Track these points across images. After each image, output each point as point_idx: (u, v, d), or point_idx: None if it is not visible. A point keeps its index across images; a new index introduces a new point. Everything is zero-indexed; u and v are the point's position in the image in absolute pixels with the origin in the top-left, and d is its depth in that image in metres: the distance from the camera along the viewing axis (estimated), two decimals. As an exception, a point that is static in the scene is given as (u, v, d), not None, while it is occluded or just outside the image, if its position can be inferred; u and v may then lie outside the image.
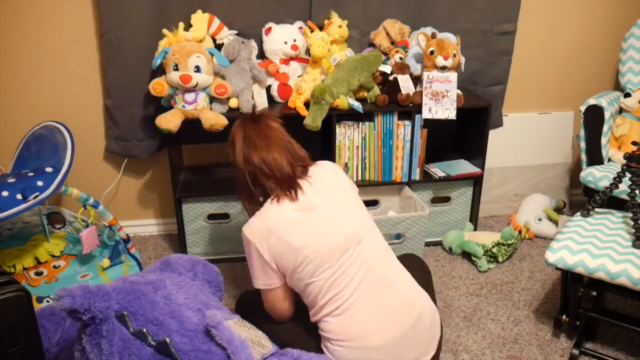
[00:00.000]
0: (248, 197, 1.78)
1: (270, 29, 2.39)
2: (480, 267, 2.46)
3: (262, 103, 2.34)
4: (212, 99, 2.26)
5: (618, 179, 1.95)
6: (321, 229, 1.62)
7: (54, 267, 2.36)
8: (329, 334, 1.62)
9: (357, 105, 2.31)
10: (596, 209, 2.09)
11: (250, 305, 1.93)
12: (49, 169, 2.11)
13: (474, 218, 2.68)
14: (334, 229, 1.63)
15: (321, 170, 1.76)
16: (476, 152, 2.57)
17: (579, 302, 1.94)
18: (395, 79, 2.39)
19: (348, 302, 1.59)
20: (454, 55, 2.31)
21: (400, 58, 2.46)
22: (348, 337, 1.59)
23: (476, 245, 2.49)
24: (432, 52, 2.31)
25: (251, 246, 1.64)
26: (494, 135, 2.73)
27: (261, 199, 1.73)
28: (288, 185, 1.68)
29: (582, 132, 2.49)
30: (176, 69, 2.15)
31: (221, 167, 2.68)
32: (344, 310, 1.59)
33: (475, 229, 2.68)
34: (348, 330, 1.60)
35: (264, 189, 1.70)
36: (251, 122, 1.76)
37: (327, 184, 1.73)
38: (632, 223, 1.88)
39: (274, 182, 1.68)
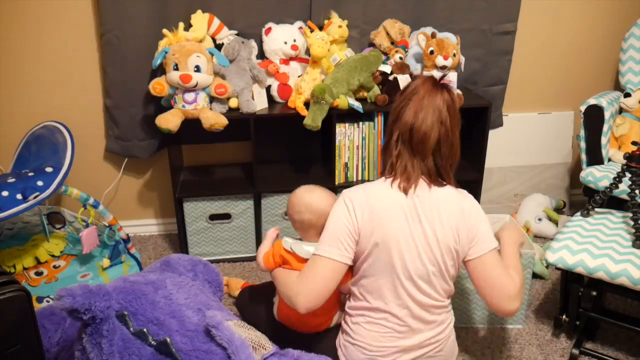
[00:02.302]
0: (384, 149, 1.60)
1: (270, 29, 2.39)
2: None
3: (262, 103, 2.34)
4: (212, 99, 2.26)
5: (618, 179, 1.95)
6: (410, 242, 1.51)
7: (54, 267, 2.36)
8: (356, 335, 1.60)
9: (357, 105, 2.31)
10: (596, 209, 2.09)
11: (251, 299, 1.93)
12: (49, 169, 2.11)
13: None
14: (417, 253, 1.51)
15: (455, 194, 1.56)
16: (476, 152, 2.57)
17: (579, 302, 1.94)
18: (395, 78, 2.39)
19: (389, 316, 1.56)
20: (454, 55, 2.31)
21: (400, 58, 2.46)
22: (373, 349, 1.58)
23: None
24: (432, 52, 2.31)
25: (345, 209, 1.52)
26: (494, 135, 2.73)
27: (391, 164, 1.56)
28: (422, 172, 1.53)
29: (582, 132, 2.49)
30: (176, 68, 2.15)
31: (221, 167, 2.69)
32: (380, 320, 1.57)
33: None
34: (376, 342, 1.58)
35: (394, 158, 1.54)
36: (430, 86, 1.54)
37: (448, 211, 1.52)
38: (632, 223, 1.88)
39: (411, 160, 1.52)
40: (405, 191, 1.52)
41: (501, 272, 1.53)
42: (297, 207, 1.68)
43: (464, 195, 1.59)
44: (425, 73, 2.33)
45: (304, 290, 1.53)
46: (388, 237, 1.50)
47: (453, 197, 1.56)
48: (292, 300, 1.55)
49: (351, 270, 1.62)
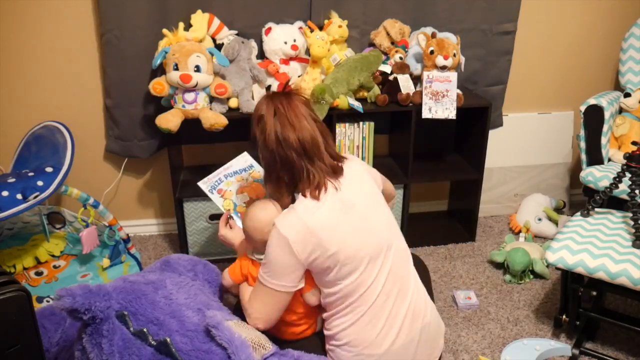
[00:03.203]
0: (275, 184, 1.61)
1: (270, 29, 2.39)
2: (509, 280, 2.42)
3: (262, 103, 2.34)
4: (212, 99, 2.26)
5: (618, 179, 1.95)
6: (358, 231, 1.53)
7: (54, 267, 2.36)
8: (339, 336, 1.59)
9: (357, 105, 2.31)
10: (596, 209, 2.09)
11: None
12: (49, 169, 2.11)
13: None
14: (369, 233, 1.55)
15: (352, 164, 1.65)
16: (476, 152, 2.57)
17: (579, 302, 1.94)
18: (395, 78, 2.39)
19: (367, 308, 1.55)
20: (454, 55, 2.31)
21: (400, 58, 2.46)
22: (357, 343, 1.57)
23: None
24: (432, 52, 2.31)
25: (282, 243, 1.48)
26: (494, 135, 2.73)
27: (284, 189, 1.60)
28: (333, 172, 1.56)
29: (582, 132, 2.49)
30: (176, 68, 2.15)
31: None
32: (360, 316, 1.55)
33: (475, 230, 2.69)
34: (359, 336, 1.56)
35: (298, 176, 1.55)
36: (283, 97, 1.58)
37: (361, 179, 1.62)
38: (632, 223, 1.88)
39: (315, 168, 1.54)
40: (325, 193, 1.54)
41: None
42: (258, 225, 1.64)
43: (356, 160, 1.70)
44: (426, 73, 2.33)
45: (255, 314, 1.57)
46: (339, 242, 1.51)
47: (355, 166, 1.65)
48: (252, 324, 1.58)
49: (310, 282, 1.61)
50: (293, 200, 1.60)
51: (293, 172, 1.56)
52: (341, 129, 2.39)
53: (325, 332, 1.65)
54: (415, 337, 1.61)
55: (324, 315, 1.64)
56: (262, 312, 1.56)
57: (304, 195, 1.55)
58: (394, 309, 1.58)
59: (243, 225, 1.70)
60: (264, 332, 1.71)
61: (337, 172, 1.59)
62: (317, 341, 1.71)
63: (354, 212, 1.55)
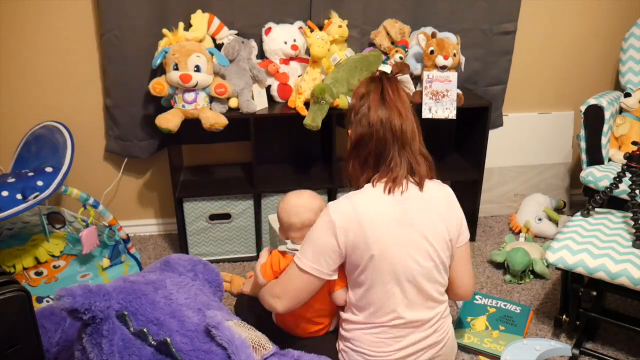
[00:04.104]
0: (361, 164, 1.57)
1: (270, 29, 2.39)
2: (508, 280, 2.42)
3: (262, 103, 2.34)
4: (212, 99, 2.26)
5: (618, 179, 1.95)
6: (404, 249, 1.50)
7: (54, 267, 2.36)
8: (357, 342, 1.59)
9: (357, 105, 2.31)
10: (596, 209, 2.09)
11: (250, 303, 1.93)
12: (49, 169, 2.11)
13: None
14: (413, 256, 1.52)
15: (437, 189, 1.58)
16: (476, 152, 2.57)
17: (579, 302, 1.94)
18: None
19: (393, 327, 1.55)
20: (454, 55, 2.31)
21: (400, 58, 2.46)
22: (374, 356, 1.57)
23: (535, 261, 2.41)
24: (432, 52, 2.31)
25: (329, 225, 1.48)
26: (494, 135, 2.73)
27: (365, 169, 1.56)
28: (413, 170, 1.53)
29: (582, 132, 2.49)
30: (176, 68, 2.15)
31: (221, 167, 2.69)
32: (385, 331, 1.56)
33: (475, 231, 2.69)
34: (378, 350, 1.57)
35: (382, 162, 1.52)
36: (393, 82, 1.56)
37: (434, 205, 1.55)
38: (632, 223, 1.88)
39: (404, 160, 1.51)
40: (393, 193, 1.51)
41: (470, 263, 1.69)
42: (294, 209, 1.68)
43: (444, 186, 1.62)
44: (426, 73, 2.33)
45: (278, 298, 1.57)
46: (382, 247, 1.49)
47: (437, 191, 1.59)
48: (268, 304, 1.59)
49: (342, 279, 1.61)
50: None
51: (381, 156, 1.53)
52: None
53: (342, 332, 1.65)
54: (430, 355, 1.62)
55: (345, 316, 1.63)
56: (288, 292, 1.55)
57: (373, 185, 1.53)
58: (415, 337, 1.57)
59: (279, 215, 1.73)
60: (272, 328, 1.72)
61: (418, 173, 1.54)
62: (331, 340, 1.71)
63: (410, 231, 1.51)
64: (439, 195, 1.58)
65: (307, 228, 1.62)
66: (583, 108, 2.45)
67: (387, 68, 2.43)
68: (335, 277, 1.56)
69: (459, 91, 2.38)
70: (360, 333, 1.59)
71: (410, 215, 1.52)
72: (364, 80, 1.61)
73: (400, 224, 1.51)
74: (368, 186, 1.54)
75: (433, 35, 2.37)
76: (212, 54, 2.22)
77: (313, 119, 2.22)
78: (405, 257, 1.51)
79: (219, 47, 2.38)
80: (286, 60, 2.40)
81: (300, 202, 1.68)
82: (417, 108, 2.37)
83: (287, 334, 1.75)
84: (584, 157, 2.51)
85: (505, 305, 2.18)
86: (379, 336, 1.57)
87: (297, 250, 1.61)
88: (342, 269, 1.58)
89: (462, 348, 1.98)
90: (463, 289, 1.68)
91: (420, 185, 1.54)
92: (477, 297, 2.22)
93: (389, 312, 1.55)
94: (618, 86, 2.74)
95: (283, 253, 1.70)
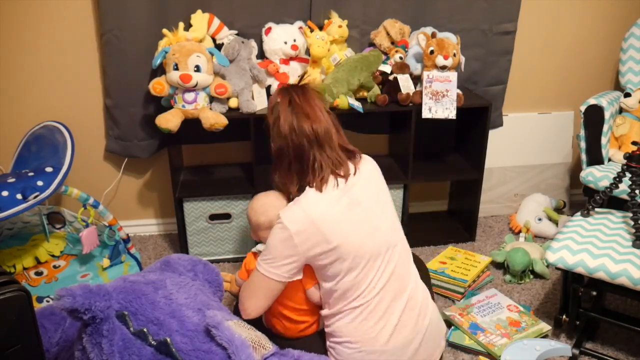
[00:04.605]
0: (285, 173, 1.66)
1: (270, 29, 2.39)
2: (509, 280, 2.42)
3: (262, 103, 2.34)
4: (212, 99, 2.26)
5: (618, 178, 1.95)
6: (361, 229, 1.56)
7: (54, 267, 2.36)
8: (339, 333, 1.60)
9: (357, 105, 2.31)
10: (596, 209, 2.09)
11: None
12: (49, 169, 2.11)
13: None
14: (372, 231, 1.58)
15: (366, 164, 1.68)
16: (476, 152, 2.57)
17: (579, 302, 1.94)
18: (395, 78, 2.39)
19: (367, 305, 1.57)
20: (454, 55, 2.31)
21: (400, 58, 2.46)
22: (358, 339, 1.58)
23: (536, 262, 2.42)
24: (432, 52, 2.31)
25: (285, 234, 1.54)
26: (494, 135, 2.73)
27: (291, 178, 1.64)
28: (339, 164, 1.59)
29: (582, 132, 2.49)
30: (176, 68, 2.15)
31: (221, 167, 2.69)
32: (360, 312, 1.57)
33: (475, 232, 2.69)
34: (359, 332, 1.58)
35: (306, 166, 1.59)
36: (299, 89, 1.64)
37: (371, 178, 1.66)
38: (632, 223, 1.88)
39: (325, 159, 1.58)
40: (331, 186, 1.57)
41: None
42: (262, 209, 1.75)
43: (370, 159, 1.72)
44: (426, 73, 2.33)
45: (246, 300, 1.63)
46: (342, 236, 1.54)
47: (368, 163, 1.69)
48: (242, 307, 1.64)
49: (313, 277, 1.64)
50: (301, 192, 1.63)
51: (302, 161, 1.60)
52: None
53: (326, 329, 1.66)
54: (416, 337, 1.61)
55: (323, 312, 1.66)
56: (254, 295, 1.61)
57: (310, 186, 1.59)
58: (392, 308, 1.59)
59: (248, 215, 1.80)
60: (266, 330, 1.73)
61: (345, 165, 1.61)
62: (319, 339, 1.72)
63: (360, 209, 1.58)
64: (371, 168, 1.70)
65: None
66: (583, 108, 2.45)
67: (387, 68, 2.44)
68: (299, 277, 1.61)
69: (459, 91, 2.38)
70: (340, 324, 1.60)
71: (356, 196, 1.59)
72: (274, 92, 1.69)
73: (349, 207, 1.57)
74: (307, 190, 1.60)
75: (433, 35, 2.37)
76: (212, 54, 2.22)
77: (313, 119, 2.22)
78: (365, 236, 1.56)
79: (219, 47, 2.38)
80: (286, 60, 2.40)
81: (268, 201, 1.75)
82: (417, 108, 2.37)
83: (277, 335, 1.76)
84: (583, 157, 2.51)
85: (505, 305, 2.18)
86: (357, 319, 1.58)
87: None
88: (310, 267, 1.62)
89: (463, 348, 1.99)
90: None
91: (345, 177, 1.60)
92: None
93: (362, 291, 1.57)
94: (618, 86, 2.75)
95: (255, 254, 1.78)
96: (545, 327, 2.05)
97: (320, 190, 1.57)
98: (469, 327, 2.02)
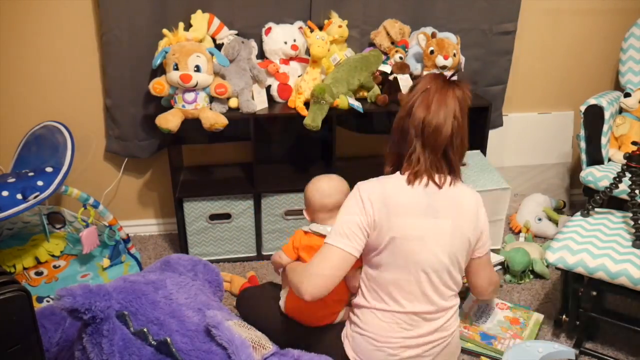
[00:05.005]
0: (389, 148, 1.65)
1: (270, 29, 2.39)
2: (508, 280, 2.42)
3: (262, 103, 2.34)
4: (212, 99, 2.26)
5: (618, 178, 1.95)
6: (424, 238, 1.55)
7: (54, 267, 2.36)
8: (365, 327, 1.62)
9: (357, 105, 2.31)
10: (596, 209, 2.09)
11: (251, 303, 1.93)
12: (49, 169, 2.11)
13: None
14: (431, 248, 1.56)
15: (469, 193, 1.63)
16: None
17: (579, 302, 1.94)
18: (395, 78, 2.39)
19: (398, 310, 1.59)
20: (454, 55, 2.31)
21: (400, 58, 2.46)
22: (376, 336, 1.60)
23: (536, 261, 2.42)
24: (432, 52, 2.31)
25: (357, 203, 1.54)
26: (494, 135, 2.73)
27: (392, 158, 1.63)
28: (437, 170, 1.57)
29: (582, 132, 2.49)
30: (176, 68, 2.15)
31: (221, 167, 2.69)
32: (392, 316, 1.59)
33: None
34: (380, 330, 1.60)
35: (405, 152, 1.57)
36: (444, 82, 1.59)
37: (462, 207, 1.60)
38: (632, 223, 1.88)
39: (425, 156, 1.55)
40: (421, 184, 1.56)
41: (492, 268, 1.80)
42: (328, 191, 1.76)
43: (478, 197, 1.65)
44: (425, 73, 2.33)
45: (311, 277, 1.53)
46: (405, 232, 1.53)
47: (469, 196, 1.63)
48: (299, 288, 1.54)
49: (358, 260, 1.63)
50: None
51: (403, 147, 1.59)
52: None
53: (352, 318, 1.68)
54: (435, 352, 1.65)
55: (356, 300, 1.67)
56: (324, 271, 1.53)
57: (402, 174, 1.59)
58: (418, 329, 1.61)
59: (309, 196, 1.80)
60: (277, 323, 1.75)
61: (443, 175, 1.58)
62: (332, 330, 1.74)
63: (432, 221, 1.56)
64: (469, 200, 1.62)
65: (336, 210, 1.66)
66: (583, 108, 2.45)
67: (387, 68, 2.44)
68: (359, 255, 1.59)
69: (465, 91, 2.38)
70: (371, 316, 1.61)
71: (436, 209, 1.56)
72: (428, 77, 1.63)
73: (425, 214, 1.55)
74: (397, 174, 1.60)
75: (433, 35, 2.37)
76: (212, 54, 2.22)
77: (313, 119, 2.22)
78: (423, 246, 1.55)
79: (219, 47, 2.38)
80: (286, 60, 2.40)
81: (333, 184, 1.78)
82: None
83: (293, 323, 1.77)
84: (583, 157, 2.51)
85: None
86: (387, 322, 1.60)
87: (319, 230, 1.71)
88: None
89: (463, 350, 1.98)
90: (477, 289, 1.81)
91: (439, 186, 1.57)
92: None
93: (399, 299, 1.58)
94: (618, 86, 2.75)
95: (305, 232, 1.78)
96: (540, 316, 2.08)
97: (408, 183, 1.56)
98: (480, 338, 2.01)
